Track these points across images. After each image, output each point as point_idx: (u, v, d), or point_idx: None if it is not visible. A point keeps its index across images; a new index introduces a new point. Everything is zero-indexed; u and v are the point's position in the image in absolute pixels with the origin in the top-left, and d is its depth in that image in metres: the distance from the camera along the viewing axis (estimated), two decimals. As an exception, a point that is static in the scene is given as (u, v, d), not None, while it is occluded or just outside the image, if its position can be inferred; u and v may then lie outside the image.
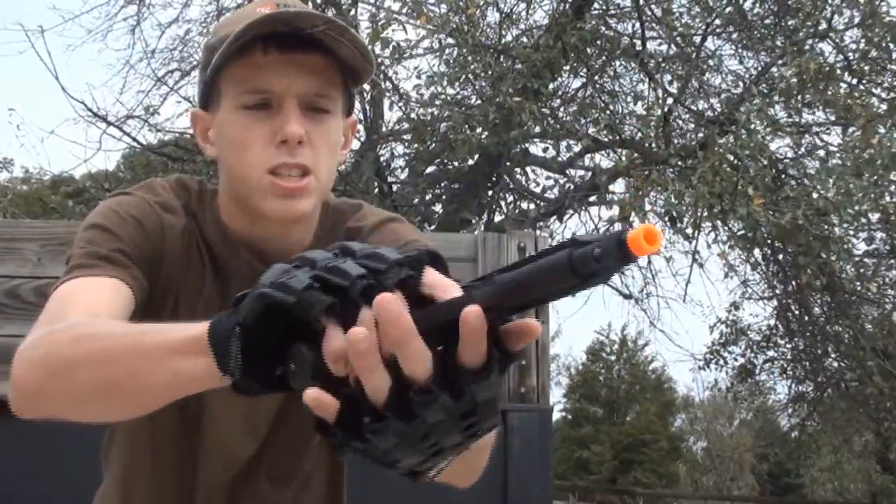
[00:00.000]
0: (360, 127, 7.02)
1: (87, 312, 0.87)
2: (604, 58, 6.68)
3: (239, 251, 1.06)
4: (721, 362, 8.90)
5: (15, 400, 0.83)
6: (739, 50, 6.98)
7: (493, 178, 6.68)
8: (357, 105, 7.18)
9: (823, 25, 6.32)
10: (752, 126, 5.56)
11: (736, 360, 8.95)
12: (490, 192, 6.80)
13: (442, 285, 0.61)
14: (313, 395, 0.61)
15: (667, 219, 5.54)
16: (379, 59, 6.24)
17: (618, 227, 6.01)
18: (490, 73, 5.90)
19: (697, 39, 6.62)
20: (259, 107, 0.97)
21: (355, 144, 7.11)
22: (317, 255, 0.66)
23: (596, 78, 6.71)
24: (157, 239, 1.01)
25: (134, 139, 7.09)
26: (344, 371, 0.62)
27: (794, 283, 7.48)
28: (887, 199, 5.99)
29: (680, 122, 6.85)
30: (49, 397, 0.81)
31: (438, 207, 7.00)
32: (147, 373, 0.75)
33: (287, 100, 0.97)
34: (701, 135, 6.34)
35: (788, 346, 8.91)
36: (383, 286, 0.61)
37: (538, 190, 7.01)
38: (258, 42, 0.96)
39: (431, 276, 0.62)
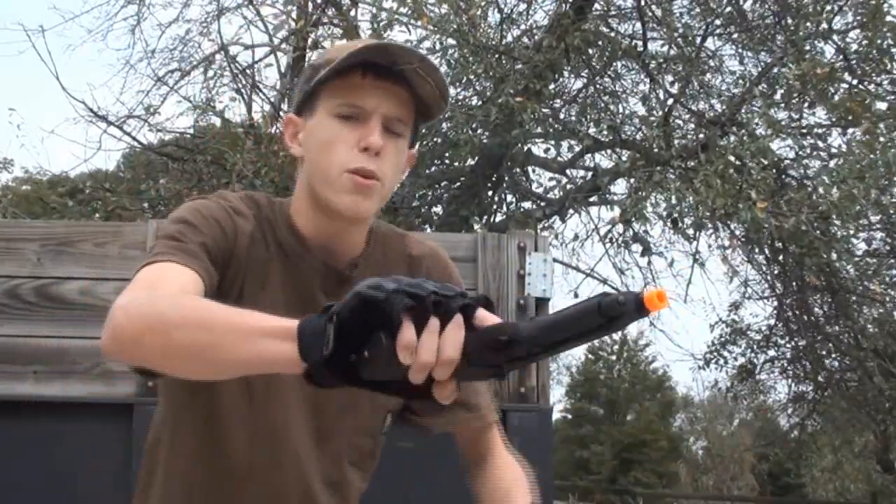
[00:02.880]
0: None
1: (177, 289, 1.03)
2: (605, 58, 6.68)
3: (309, 248, 1.23)
4: (721, 362, 8.91)
5: (110, 343, 0.98)
6: (740, 50, 6.98)
7: (494, 179, 6.68)
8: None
9: (824, 26, 6.32)
10: (754, 129, 5.56)
11: (736, 359, 8.97)
12: (490, 193, 6.79)
13: (490, 320, 0.81)
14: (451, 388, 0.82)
15: (668, 221, 5.54)
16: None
17: (619, 228, 6.01)
18: (491, 73, 5.90)
19: (698, 40, 6.61)
20: (350, 118, 1.16)
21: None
22: (401, 277, 0.83)
23: (597, 78, 6.71)
24: (230, 238, 1.17)
25: (134, 139, 7.09)
26: (409, 360, 0.79)
27: (794, 283, 7.48)
28: (888, 199, 6.00)
29: (680, 123, 6.85)
30: (143, 348, 0.95)
31: (438, 208, 7.00)
32: (234, 346, 0.90)
33: (373, 117, 1.15)
34: (702, 136, 6.33)
35: (789, 345, 8.91)
36: (450, 306, 0.80)
37: (539, 190, 7.01)
38: (359, 67, 1.15)
39: (483, 313, 0.81)
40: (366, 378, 0.85)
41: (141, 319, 0.96)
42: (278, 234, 1.24)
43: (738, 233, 6.92)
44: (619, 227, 6.18)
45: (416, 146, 1.28)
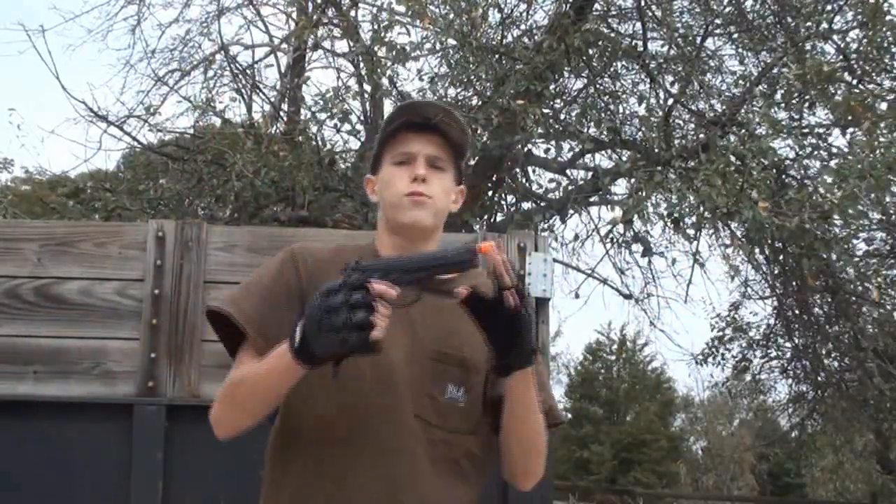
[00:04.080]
0: (361, 127, 7.02)
1: (235, 374, 1.51)
2: (605, 59, 6.67)
3: None
4: (720, 359, 8.91)
5: (214, 428, 1.52)
6: (740, 50, 6.97)
7: (494, 179, 6.67)
8: (358, 106, 7.17)
9: (824, 25, 6.31)
10: (755, 129, 5.56)
11: (735, 357, 8.97)
12: (490, 193, 6.79)
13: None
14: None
15: (669, 221, 5.53)
16: (381, 60, 6.23)
17: (620, 228, 6.00)
18: (492, 74, 5.89)
19: (698, 40, 6.60)
20: (402, 163, 1.60)
21: (356, 145, 7.11)
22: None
23: (597, 79, 6.70)
24: (302, 282, 1.56)
25: (134, 139, 7.09)
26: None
27: (794, 283, 7.47)
28: (888, 199, 5.99)
29: (680, 123, 6.84)
30: (223, 422, 1.51)
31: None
32: (258, 383, 1.42)
33: (418, 157, 1.60)
34: (702, 136, 6.32)
35: (788, 345, 8.91)
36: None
37: (539, 191, 7.00)
38: (403, 127, 1.61)
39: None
40: (316, 351, 1.28)
41: (216, 406, 1.51)
42: (363, 258, 1.56)
43: (738, 233, 6.91)
44: (620, 228, 6.17)
45: (463, 182, 1.73)
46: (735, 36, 6.88)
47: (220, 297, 1.59)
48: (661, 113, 6.25)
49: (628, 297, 7.43)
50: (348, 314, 1.22)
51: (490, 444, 1.56)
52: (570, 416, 25.18)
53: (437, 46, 6.19)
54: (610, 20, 6.93)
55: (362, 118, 6.97)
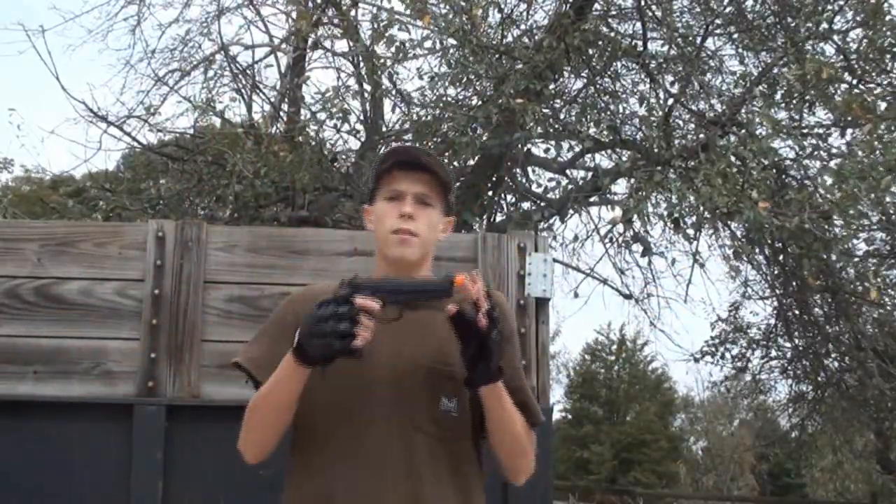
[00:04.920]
0: (361, 127, 7.01)
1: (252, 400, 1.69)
2: (605, 58, 6.66)
3: None
4: (719, 358, 8.91)
5: (244, 455, 1.69)
6: (740, 50, 6.96)
7: (494, 179, 6.67)
8: (357, 105, 7.16)
9: (824, 26, 6.31)
10: (755, 129, 5.55)
11: (735, 357, 8.96)
12: (490, 193, 6.78)
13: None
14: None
15: (669, 221, 5.53)
16: (381, 60, 6.23)
17: (620, 228, 6.00)
18: (492, 73, 5.89)
19: (698, 40, 6.60)
20: (393, 199, 1.76)
21: (356, 145, 7.11)
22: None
23: (597, 79, 6.69)
24: (299, 317, 1.63)
25: (134, 139, 7.08)
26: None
27: (794, 283, 7.47)
28: (888, 199, 5.98)
29: (680, 123, 6.83)
30: (248, 445, 1.69)
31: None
32: (271, 392, 1.61)
33: (407, 196, 1.75)
34: (702, 136, 6.32)
35: (788, 345, 8.91)
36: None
37: (539, 190, 7.00)
38: (395, 166, 1.77)
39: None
40: (309, 353, 1.50)
41: (242, 440, 1.69)
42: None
43: (738, 233, 6.91)
44: (620, 227, 6.17)
45: (452, 215, 1.87)
46: (735, 36, 6.88)
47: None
48: (661, 113, 6.25)
49: (628, 297, 7.44)
50: (335, 324, 1.45)
51: (482, 448, 1.75)
52: (569, 416, 25.17)
53: (438, 45, 6.19)
54: (610, 20, 6.92)
55: (362, 118, 6.97)
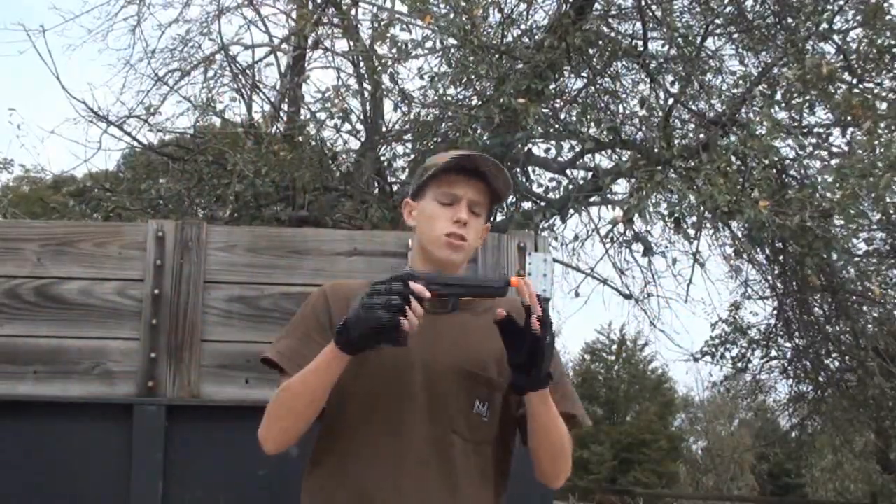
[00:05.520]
0: (361, 126, 7.01)
1: (280, 387, 1.68)
2: (605, 58, 6.66)
3: None
4: (719, 358, 8.91)
5: (263, 445, 1.66)
6: (740, 50, 6.96)
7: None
8: (357, 105, 7.16)
9: (824, 26, 6.30)
10: (756, 129, 5.54)
11: (734, 357, 8.97)
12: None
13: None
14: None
15: (670, 221, 5.52)
16: (382, 59, 6.22)
17: (620, 227, 6.00)
18: (492, 73, 5.89)
19: (698, 40, 6.59)
20: (447, 203, 1.75)
21: (356, 144, 7.11)
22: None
23: (597, 78, 6.69)
24: (331, 310, 1.74)
25: (134, 139, 7.08)
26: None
27: (794, 283, 7.47)
28: (888, 199, 5.98)
29: (681, 123, 6.83)
30: (270, 433, 1.66)
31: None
32: (307, 378, 1.58)
33: (463, 201, 1.75)
34: (703, 135, 6.32)
35: (789, 345, 8.91)
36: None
37: (540, 190, 6.99)
38: (454, 169, 1.75)
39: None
40: (353, 334, 1.48)
41: (264, 422, 1.66)
42: None
43: (739, 233, 6.91)
44: (620, 227, 6.17)
45: (490, 222, 1.88)
46: (735, 36, 6.88)
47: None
48: (661, 113, 6.24)
49: (628, 296, 7.44)
50: (387, 298, 1.46)
51: (508, 452, 1.78)
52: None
53: (438, 45, 6.19)
54: (610, 20, 6.92)
55: (362, 118, 6.97)
